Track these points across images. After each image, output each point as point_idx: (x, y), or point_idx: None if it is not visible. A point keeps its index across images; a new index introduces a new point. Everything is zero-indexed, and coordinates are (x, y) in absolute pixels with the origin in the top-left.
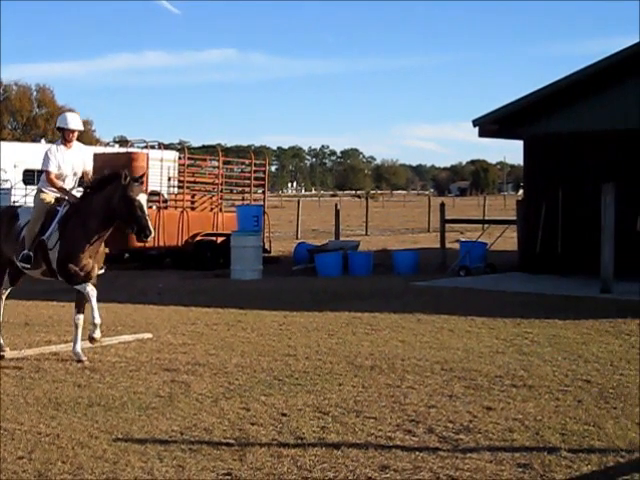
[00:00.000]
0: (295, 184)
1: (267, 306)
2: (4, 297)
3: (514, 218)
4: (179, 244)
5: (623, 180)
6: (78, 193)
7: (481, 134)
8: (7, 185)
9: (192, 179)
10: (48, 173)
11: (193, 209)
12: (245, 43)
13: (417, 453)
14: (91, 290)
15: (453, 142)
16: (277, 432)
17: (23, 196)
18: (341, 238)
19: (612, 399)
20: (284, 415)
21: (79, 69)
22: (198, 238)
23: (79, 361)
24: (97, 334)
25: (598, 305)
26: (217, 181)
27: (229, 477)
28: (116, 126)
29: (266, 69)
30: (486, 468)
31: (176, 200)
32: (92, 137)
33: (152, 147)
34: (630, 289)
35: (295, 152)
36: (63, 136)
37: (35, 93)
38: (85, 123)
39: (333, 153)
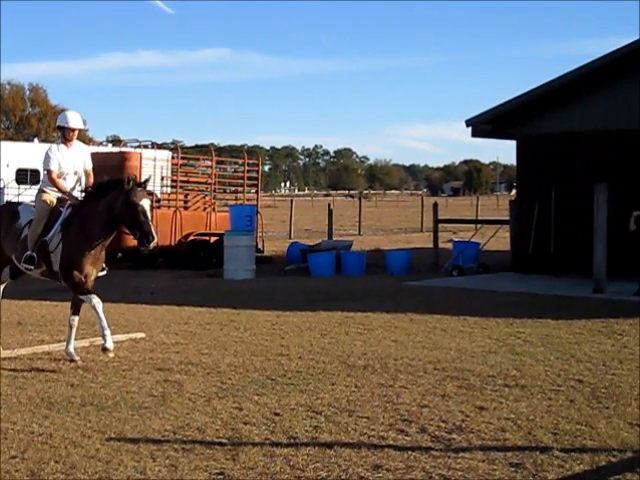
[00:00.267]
0: (288, 184)
1: (260, 306)
2: (1, 289)
3: (507, 218)
4: (172, 244)
5: (615, 180)
6: (78, 194)
7: (474, 134)
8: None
9: (185, 179)
10: (50, 172)
11: (186, 209)
12: (239, 43)
13: (410, 452)
14: (97, 303)
15: (446, 142)
16: (270, 431)
17: (16, 195)
18: (334, 238)
19: (604, 399)
20: (277, 414)
21: (72, 68)
22: (191, 238)
23: (72, 361)
24: (110, 344)
25: (590, 305)
26: (210, 181)
27: (222, 476)
28: (109, 126)
29: (260, 69)
30: (478, 467)
31: (169, 200)
32: (85, 137)
33: (145, 147)
34: (622, 289)
35: (288, 152)
36: (63, 135)
37: (28, 92)
38: None
39: (326, 153)
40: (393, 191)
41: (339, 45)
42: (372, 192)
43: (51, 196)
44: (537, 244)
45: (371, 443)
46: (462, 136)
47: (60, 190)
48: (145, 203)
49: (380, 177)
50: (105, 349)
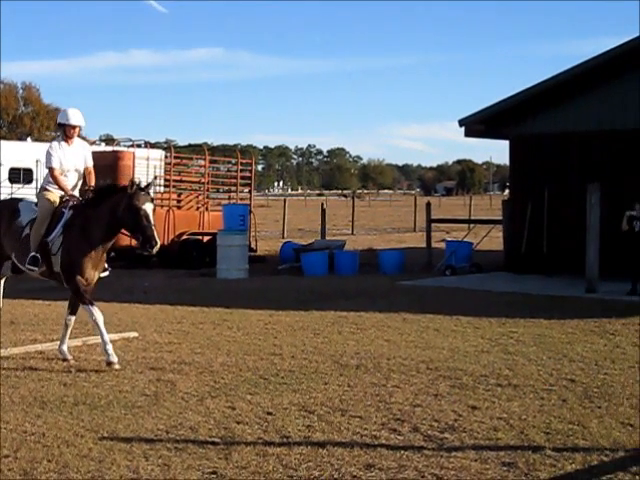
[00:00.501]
0: (281, 183)
1: (253, 305)
2: (2, 283)
3: (500, 218)
4: (165, 243)
5: (608, 180)
6: (78, 192)
7: (467, 134)
8: None
9: (178, 178)
10: (52, 170)
11: (179, 208)
12: (232, 42)
13: (402, 452)
14: (98, 315)
15: (439, 142)
16: (262, 431)
17: (9, 194)
18: (327, 237)
19: (596, 398)
20: (270, 414)
21: (66, 67)
22: (184, 237)
23: (64, 360)
24: (114, 358)
25: (583, 305)
26: (203, 180)
27: (214, 476)
28: (102, 125)
29: (253, 68)
30: (471, 467)
31: (162, 199)
32: (78, 135)
33: (138, 146)
34: (615, 289)
35: (282, 151)
36: (64, 132)
37: (21, 91)
38: None
39: (320, 152)
40: (386, 191)
41: (333, 45)
42: (365, 192)
43: (54, 195)
44: (530, 244)
45: (364, 442)
46: (455, 136)
47: (62, 188)
48: (148, 207)
49: (373, 177)
50: (110, 363)
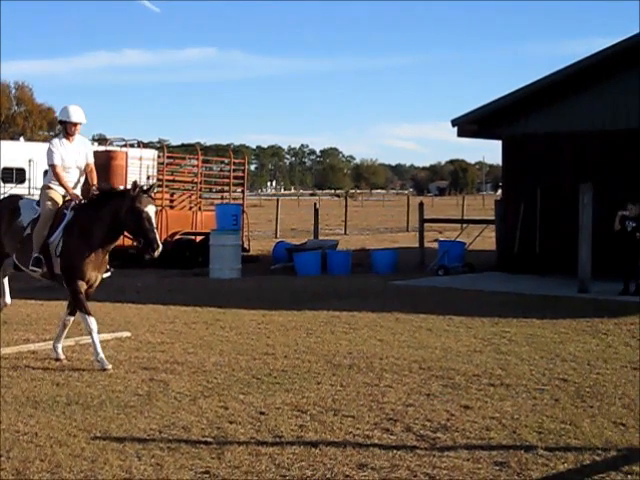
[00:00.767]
0: (274, 183)
1: (246, 305)
2: (6, 280)
3: (492, 218)
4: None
5: (601, 180)
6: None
7: (460, 134)
8: None
9: (171, 178)
10: (54, 167)
11: (172, 208)
12: (225, 42)
13: (395, 451)
14: (93, 325)
15: (432, 142)
16: (255, 431)
17: (2, 194)
18: (320, 237)
19: (589, 398)
20: (262, 414)
21: (58, 67)
22: (177, 237)
23: (57, 359)
24: (107, 365)
25: (575, 305)
26: (196, 180)
27: (207, 475)
28: (95, 124)
29: (246, 68)
30: (463, 466)
31: (155, 199)
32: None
33: (131, 145)
34: (607, 289)
35: (274, 151)
36: (65, 129)
37: (14, 91)
38: None
39: (312, 152)
40: (379, 190)
41: (325, 45)
42: (358, 191)
43: (57, 194)
44: (522, 244)
45: (356, 442)
46: (448, 136)
47: (64, 186)
48: (150, 210)
49: (366, 177)
50: (103, 369)
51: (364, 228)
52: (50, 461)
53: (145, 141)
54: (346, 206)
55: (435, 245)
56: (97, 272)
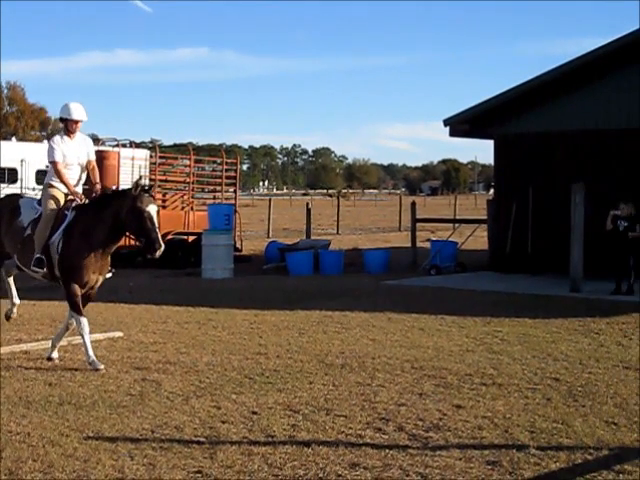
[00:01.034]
0: (267, 183)
1: (238, 305)
2: (11, 280)
3: (485, 217)
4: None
5: (593, 180)
6: (81, 188)
7: (452, 134)
8: None
9: (163, 178)
10: (55, 164)
11: (164, 208)
12: (217, 42)
13: (387, 451)
14: (85, 326)
15: (424, 142)
16: (248, 430)
17: None
18: (312, 237)
19: (581, 397)
20: (255, 413)
21: (51, 67)
22: (169, 237)
23: (49, 359)
24: (100, 365)
25: (567, 304)
26: (188, 180)
27: (200, 475)
28: (87, 124)
29: (238, 68)
30: (455, 466)
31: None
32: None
33: (123, 145)
34: (599, 288)
35: (267, 151)
36: (66, 127)
37: (6, 91)
38: (56, 121)
39: (305, 152)
40: (371, 190)
41: (317, 44)
42: (350, 191)
43: (59, 192)
44: (515, 243)
45: (348, 441)
46: (440, 136)
47: (65, 183)
48: (152, 209)
49: (358, 176)
50: (96, 370)
51: (356, 228)
52: (43, 461)
53: (137, 141)
54: (338, 206)
55: (427, 245)
56: (98, 274)
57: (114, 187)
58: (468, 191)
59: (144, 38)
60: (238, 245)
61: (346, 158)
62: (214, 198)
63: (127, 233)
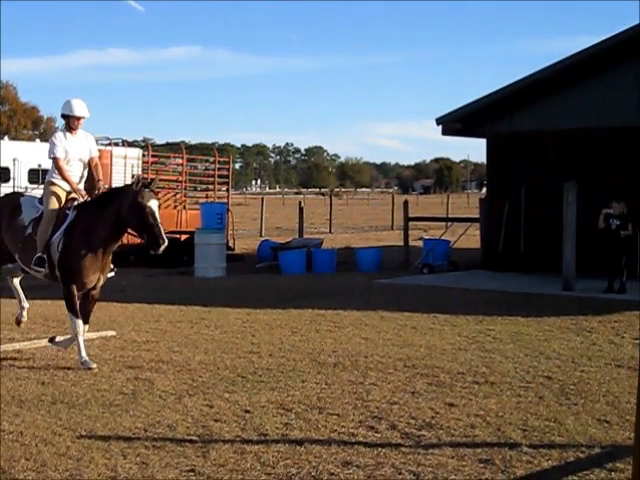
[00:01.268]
0: (259, 182)
1: (231, 304)
2: (17, 282)
3: (477, 216)
4: (143, 241)
5: (585, 178)
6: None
7: (444, 132)
8: None
9: (156, 176)
10: (56, 160)
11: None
12: (210, 40)
13: (379, 449)
14: (80, 327)
15: (417, 140)
16: (240, 429)
17: None
18: (305, 236)
19: (573, 395)
20: (247, 412)
21: (43, 65)
22: None
23: (89, 368)
24: (91, 364)
25: (560, 302)
26: (181, 178)
27: (192, 473)
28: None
29: (230, 66)
30: (448, 464)
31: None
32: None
33: (116, 144)
34: (591, 287)
35: (259, 150)
36: (68, 123)
37: None
38: (49, 120)
39: (297, 151)
40: (364, 189)
41: (309, 43)
42: (343, 190)
43: (60, 189)
44: (507, 242)
45: (341, 440)
46: (433, 134)
47: (66, 179)
48: (153, 204)
49: (351, 175)
50: (90, 369)
51: (349, 226)
52: (35, 460)
53: (130, 140)
54: (331, 204)
55: (420, 243)
56: (99, 273)
57: (106, 186)
58: (461, 190)
59: (137, 37)
60: (231, 244)
61: (338, 157)
62: (207, 197)
63: (129, 230)
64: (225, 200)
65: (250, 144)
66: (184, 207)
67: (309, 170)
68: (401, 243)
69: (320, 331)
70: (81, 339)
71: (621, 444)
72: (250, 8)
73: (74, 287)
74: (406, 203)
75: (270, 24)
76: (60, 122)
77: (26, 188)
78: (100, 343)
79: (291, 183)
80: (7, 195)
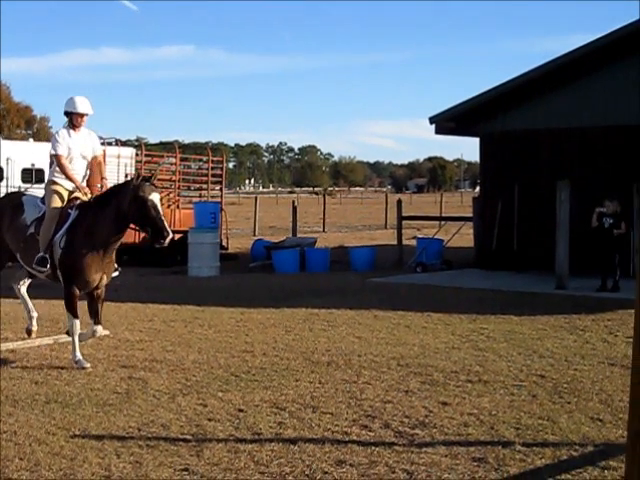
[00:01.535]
0: (253, 181)
1: (224, 303)
2: (24, 289)
3: (471, 215)
4: (136, 241)
5: (578, 177)
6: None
7: (438, 131)
8: None
9: (149, 176)
10: (59, 157)
11: None
12: (203, 40)
13: (373, 448)
14: (76, 328)
15: (410, 139)
16: (234, 428)
17: None
18: (298, 235)
19: (566, 394)
20: (241, 411)
21: (36, 65)
22: None
23: (83, 368)
24: (85, 364)
25: (553, 301)
26: (174, 178)
27: (186, 472)
28: None
29: (224, 66)
30: (441, 462)
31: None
32: (49, 133)
33: (109, 143)
34: (585, 285)
35: (253, 149)
36: (71, 121)
37: None
38: (42, 120)
39: (291, 150)
40: (357, 188)
41: (303, 42)
42: (336, 189)
43: (62, 188)
44: (500, 241)
45: (335, 439)
46: (426, 133)
47: (69, 177)
48: (155, 197)
49: (344, 174)
50: (83, 368)
51: (342, 225)
52: (29, 459)
53: (123, 139)
54: (324, 204)
55: (413, 242)
56: (102, 273)
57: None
58: (454, 189)
59: (130, 36)
60: (224, 243)
61: (332, 156)
62: (200, 196)
63: (131, 225)
64: (218, 199)
65: (243, 143)
66: (177, 206)
67: (302, 169)
68: (394, 242)
69: (314, 330)
70: (77, 340)
71: (614, 442)
72: (243, 7)
73: (75, 288)
74: (400, 202)
75: (263, 23)
76: (54, 122)
77: (19, 188)
78: (93, 342)
79: (284, 182)
80: (9, 194)
